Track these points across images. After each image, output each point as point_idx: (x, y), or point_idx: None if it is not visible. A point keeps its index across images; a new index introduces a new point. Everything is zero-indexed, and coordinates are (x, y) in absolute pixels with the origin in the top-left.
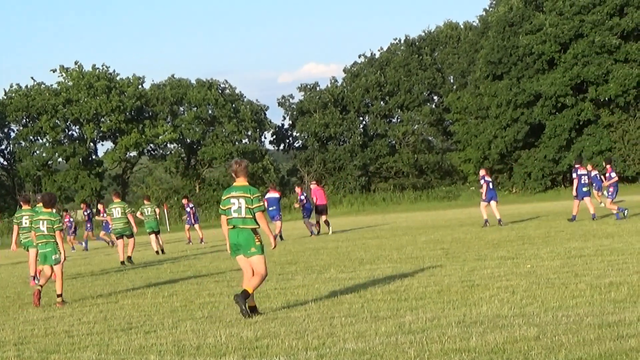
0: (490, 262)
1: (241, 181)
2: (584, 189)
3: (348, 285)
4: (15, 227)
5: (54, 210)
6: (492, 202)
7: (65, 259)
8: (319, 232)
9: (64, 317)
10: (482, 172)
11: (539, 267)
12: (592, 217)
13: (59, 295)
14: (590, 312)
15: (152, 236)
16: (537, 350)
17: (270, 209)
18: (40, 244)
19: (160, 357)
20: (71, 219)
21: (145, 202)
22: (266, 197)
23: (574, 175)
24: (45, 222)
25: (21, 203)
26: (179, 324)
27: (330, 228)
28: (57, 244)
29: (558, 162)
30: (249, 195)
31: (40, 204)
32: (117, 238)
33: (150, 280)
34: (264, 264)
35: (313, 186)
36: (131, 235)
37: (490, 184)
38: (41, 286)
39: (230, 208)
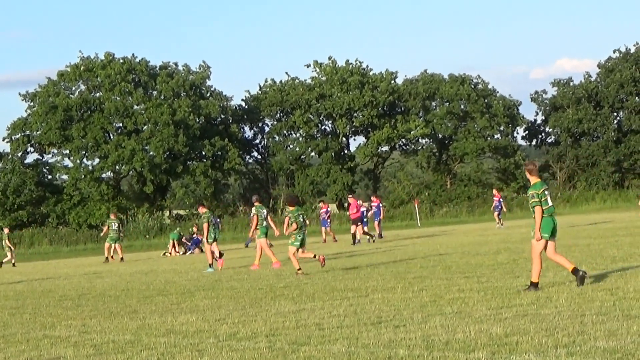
0: None
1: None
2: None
3: (599, 282)
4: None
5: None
6: None
7: None
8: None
9: (314, 309)
10: None
11: None
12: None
13: None
14: None
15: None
16: None
17: None
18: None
19: (410, 352)
20: (329, 209)
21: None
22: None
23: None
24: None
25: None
26: (428, 319)
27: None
28: None
29: None
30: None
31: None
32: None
33: (399, 275)
34: None
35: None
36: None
37: None
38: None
39: (547, 199)
